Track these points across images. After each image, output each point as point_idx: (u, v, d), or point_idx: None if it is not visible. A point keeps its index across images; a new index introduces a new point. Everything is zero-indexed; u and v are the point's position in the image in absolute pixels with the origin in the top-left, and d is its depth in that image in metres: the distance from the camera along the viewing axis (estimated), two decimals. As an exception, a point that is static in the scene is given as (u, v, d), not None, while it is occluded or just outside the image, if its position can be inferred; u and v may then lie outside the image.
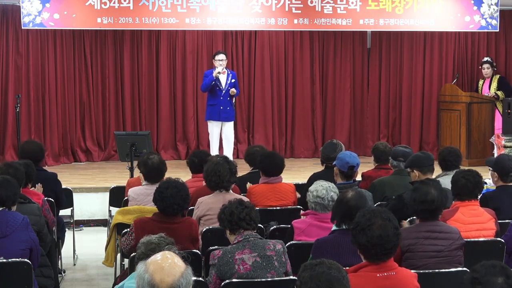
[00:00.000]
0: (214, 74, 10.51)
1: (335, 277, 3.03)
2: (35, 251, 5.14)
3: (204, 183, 6.17)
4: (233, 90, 10.59)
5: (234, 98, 10.79)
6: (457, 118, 11.66)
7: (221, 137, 10.90)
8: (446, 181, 6.39)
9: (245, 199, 5.53)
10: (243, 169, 7.48)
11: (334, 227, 4.70)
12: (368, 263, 3.76)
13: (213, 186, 5.92)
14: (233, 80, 10.71)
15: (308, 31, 12.38)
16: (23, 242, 5.02)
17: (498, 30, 11.88)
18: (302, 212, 5.68)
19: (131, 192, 6.34)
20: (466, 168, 5.97)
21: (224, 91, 10.62)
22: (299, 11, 11.27)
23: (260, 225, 5.34)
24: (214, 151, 10.59)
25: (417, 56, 12.70)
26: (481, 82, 12.21)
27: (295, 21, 11.34)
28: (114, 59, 12.19)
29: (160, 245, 3.93)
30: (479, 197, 5.63)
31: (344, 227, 4.63)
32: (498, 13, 11.58)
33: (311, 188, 5.29)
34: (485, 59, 12.17)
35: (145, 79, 12.29)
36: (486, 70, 12.04)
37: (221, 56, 10.63)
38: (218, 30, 12.08)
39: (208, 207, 5.81)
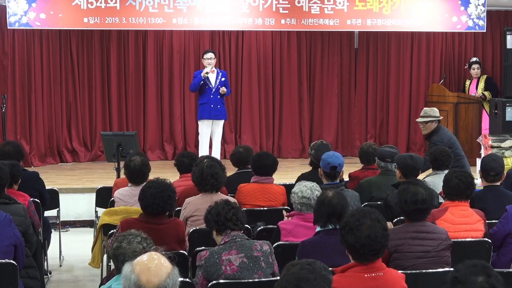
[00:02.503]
0: (202, 74, 10.51)
1: (303, 277, 3.02)
2: (20, 249, 5.13)
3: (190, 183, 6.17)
4: (223, 89, 10.58)
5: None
6: (444, 118, 11.64)
7: (210, 136, 10.88)
8: (436, 180, 6.44)
9: (232, 199, 5.53)
10: (229, 169, 7.47)
11: (318, 228, 4.71)
12: (356, 263, 3.77)
13: (208, 188, 5.90)
14: (223, 79, 10.71)
15: (295, 31, 12.39)
16: (7, 238, 5.02)
17: (485, 31, 11.92)
18: (286, 213, 5.68)
19: (117, 193, 6.33)
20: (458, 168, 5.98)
21: (214, 89, 10.61)
22: (287, 11, 11.27)
23: (247, 225, 5.34)
24: (203, 151, 10.55)
25: (405, 57, 12.73)
26: (468, 82, 12.25)
27: (282, 21, 11.34)
28: (100, 59, 12.15)
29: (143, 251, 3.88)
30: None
31: (330, 226, 4.64)
32: (485, 14, 11.62)
33: (295, 189, 5.33)
34: (474, 59, 12.21)
35: (132, 79, 12.26)
36: (476, 70, 12.08)
37: (210, 55, 10.63)
38: (205, 30, 12.07)
39: (195, 207, 5.80)
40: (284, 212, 5.80)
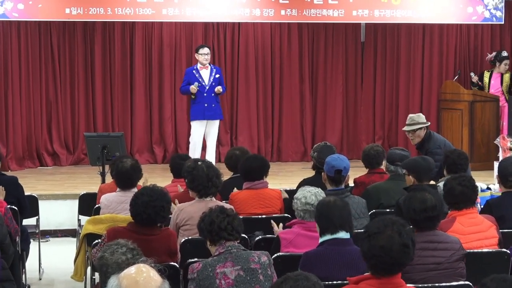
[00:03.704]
0: (191, 89, 10.47)
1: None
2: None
3: (182, 189, 6.17)
4: (218, 88, 10.61)
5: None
6: (459, 118, 11.70)
7: (204, 138, 10.89)
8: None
9: (228, 206, 5.53)
10: (225, 173, 7.48)
11: (322, 239, 4.71)
12: (371, 275, 3.77)
13: (211, 192, 5.91)
14: (217, 76, 10.74)
15: (296, 23, 12.40)
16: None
17: (503, 22, 11.97)
18: (277, 226, 5.70)
19: (104, 199, 6.34)
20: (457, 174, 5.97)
21: (207, 87, 10.63)
22: (287, 1, 11.31)
23: (244, 235, 5.35)
24: (196, 154, 10.56)
25: (416, 51, 12.75)
26: (487, 74, 12.15)
27: (282, 12, 11.38)
28: (84, 54, 12.15)
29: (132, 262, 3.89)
30: (477, 204, 5.66)
31: (342, 233, 4.63)
32: (503, 4, 11.66)
33: (298, 195, 5.31)
34: (505, 53, 12.08)
35: (118, 75, 12.27)
36: (508, 66, 12.01)
37: (206, 50, 10.68)
38: (199, 22, 12.08)
39: (188, 216, 5.80)
40: (274, 224, 5.77)
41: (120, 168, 6.31)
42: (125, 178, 6.31)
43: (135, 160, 6.55)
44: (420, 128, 8.39)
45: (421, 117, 8.48)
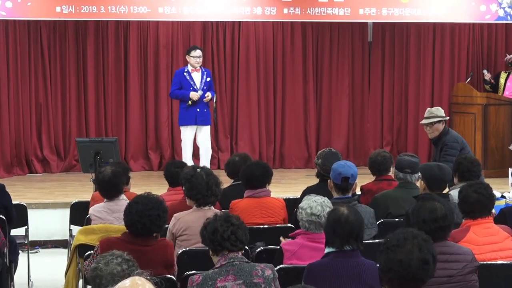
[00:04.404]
0: (192, 95, 10.46)
1: None
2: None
3: (181, 197, 6.17)
4: (208, 98, 10.59)
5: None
6: (471, 122, 11.70)
7: (195, 144, 10.89)
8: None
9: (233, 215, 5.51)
10: (225, 181, 7.48)
11: (327, 250, 4.70)
12: None
13: (211, 201, 5.91)
14: (208, 79, 10.72)
15: (300, 23, 12.41)
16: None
17: (518, 22, 11.97)
18: (284, 239, 5.69)
19: (92, 211, 6.33)
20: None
21: (199, 91, 10.61)
22: (290, -1, 11.32)
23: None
24: (187, 160, 10.55)
25: (426, 52, 12.76)
26: (503, 76, 12.13)
27: (285, 10, 11.39)
28: (75, 55, 12.16)
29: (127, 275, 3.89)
30: (492, 213, 5.65)
31: (348, 248, 4.62)
32: (518, 2, 11.67)
33: (303, 205, 5.29)
34: None
35: (112, 77, 12.27)
36: None
37: (198, 52, 10.66)
38: (197, 21, 12.09)
39: (186, 225, 5.79)
40: (282, 239, 5.77)
41: (101, 179, 6.31)
42: (110, 187, 6.30)
43: (116, 165, 6.54)
44: (439, 122, 8.46)
45: (440, 111, 8.56)
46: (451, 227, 4.82)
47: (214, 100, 10.98)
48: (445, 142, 8.37)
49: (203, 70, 10.83)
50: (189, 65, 10.76)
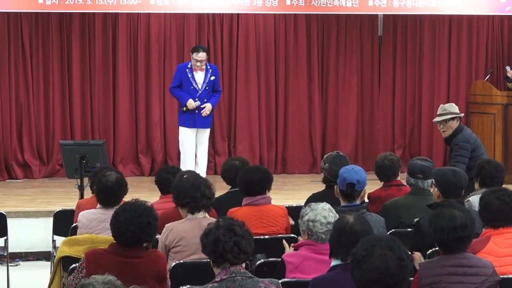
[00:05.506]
0: (189, 104, 10.43)
1: None
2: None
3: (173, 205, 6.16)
4: (208, 110, 10.53)
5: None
6: (490, 123, 11.71)
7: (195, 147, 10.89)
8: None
9: (239, 222, 5.48)
10: (222, 187, 7.49)
11: (334, 262, 4.69)
12: None
13: (203, 204, 5.90)
14: (212, 78, 10.65)
15: (304, 15, 12.42)
16: None
17: (541, 14, 11.99)
18: (292, 244, 5.67)
19: (82, 216, 6.33)
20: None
21: (200, 92, 10.58)
22: (293, -10, 11.34)
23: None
24: (187, 164, 10.50)
25: (441, 47, 12.77)
26: None
27: (288, 1, 11.41)
28: (59, 50, 12.16)
29: None
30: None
31: (350, 260, 4.63)
32: (541, -7, 11.68)
33: (312, 216, 5.25)
34: None
35: (99, 74, 12.28)
36: None
37: (201, 56, 10.45)
38: (191, 14, 12.10)
39: (180, 236, 5.78)
40: (285, 244, 5.76)
41: (104, 183, 6.30)
42: (110, 194, 6.30)
43: (120, 173, 6.55)
44: (453, 119, 8.46)
45: (453, 107, 8.58)
46: (471, 238, 4.81)
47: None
48: (456, 141, 8.38)
49: (208, 67, 10.73)
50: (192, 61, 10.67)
